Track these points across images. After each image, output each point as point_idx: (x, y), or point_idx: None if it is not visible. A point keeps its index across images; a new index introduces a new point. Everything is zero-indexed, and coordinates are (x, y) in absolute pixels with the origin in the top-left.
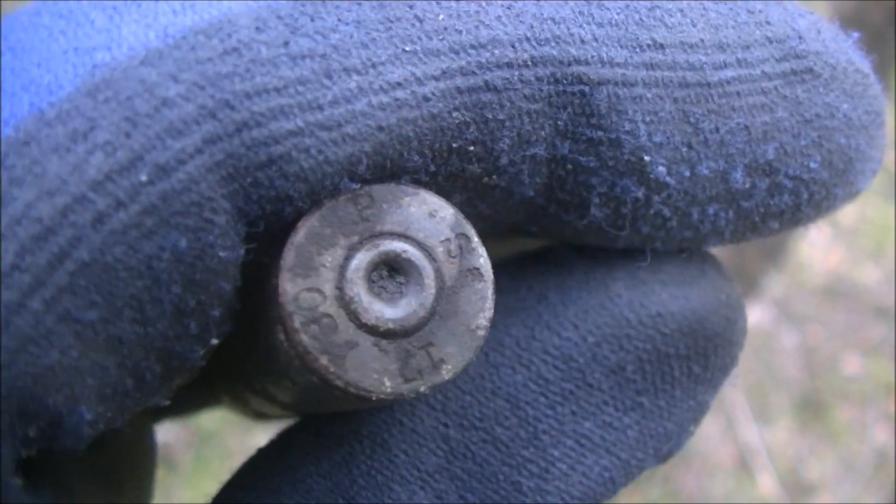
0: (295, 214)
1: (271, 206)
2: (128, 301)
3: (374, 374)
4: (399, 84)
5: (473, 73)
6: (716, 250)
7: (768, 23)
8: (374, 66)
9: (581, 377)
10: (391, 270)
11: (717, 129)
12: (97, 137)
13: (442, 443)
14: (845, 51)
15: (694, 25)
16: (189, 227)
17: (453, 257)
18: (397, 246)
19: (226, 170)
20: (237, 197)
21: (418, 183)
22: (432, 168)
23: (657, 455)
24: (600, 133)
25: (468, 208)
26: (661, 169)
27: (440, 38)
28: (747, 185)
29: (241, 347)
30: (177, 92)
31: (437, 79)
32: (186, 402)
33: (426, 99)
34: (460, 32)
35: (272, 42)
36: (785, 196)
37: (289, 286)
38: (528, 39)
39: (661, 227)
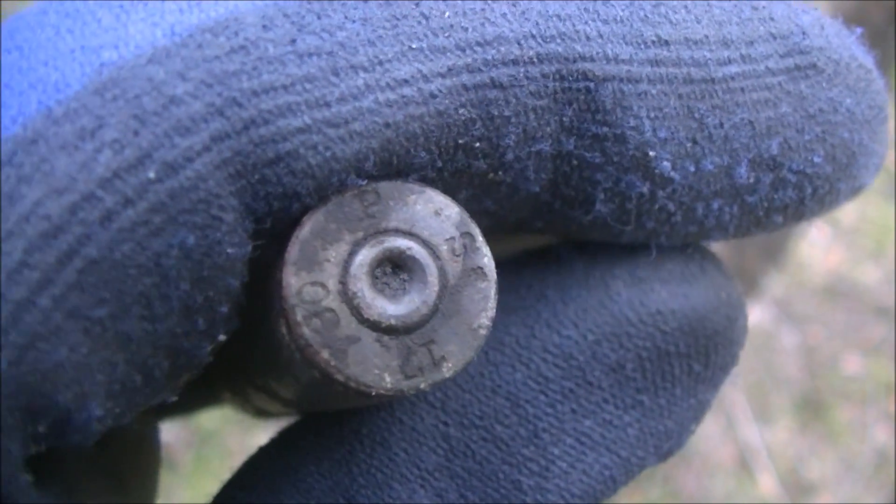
0: (302, 211)
1: (279, 202)
2: (136, 298)
3: (375, 369)
4: (406, 81)
5: (479, 70)
6: (716, 249)
7: (772, 19)
8: (380, 63)
9: (581, 375)
10: (395, 267)
11: (722, 125)
12: (105, 135)
13: (442, 441)
14: (848, 46)
15: (698, 22)
16: (197, 224)
17: (457, 256)
18: (402, 243)
19: (234, 167)
20: (245, 194)
21: (425, 179)
22: (439, 164)
23: (657, 453)
24: (605, 129)
25: (474, 204)
26: (666, 164)
27: (446, 35)
28: (751, 180)
29: (244, 343)
30: (184, 90)
31: (443, 76)
32: (189, 399)
33: (433, 96)
34: (466, 30)
35: (279, 40)
36: (789, 190)
37: (292, 280)
38: (533, 36)
39: (666, 221)
